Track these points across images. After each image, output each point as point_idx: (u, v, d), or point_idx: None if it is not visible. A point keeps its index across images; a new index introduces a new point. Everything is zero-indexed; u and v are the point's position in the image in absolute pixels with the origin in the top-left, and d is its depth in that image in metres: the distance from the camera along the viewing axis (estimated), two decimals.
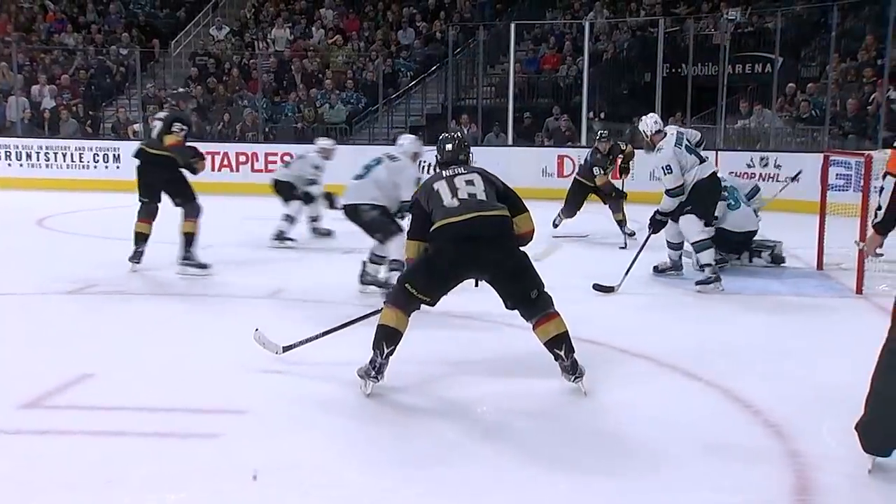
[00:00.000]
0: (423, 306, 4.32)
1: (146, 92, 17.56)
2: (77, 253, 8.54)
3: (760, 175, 12.73)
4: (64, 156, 15.58)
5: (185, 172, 7.51)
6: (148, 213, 7.48)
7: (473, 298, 5.44)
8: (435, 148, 4.68)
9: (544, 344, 4.25)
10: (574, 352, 4.24)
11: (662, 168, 6.98)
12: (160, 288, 7.02)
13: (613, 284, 6.82)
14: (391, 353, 4.19)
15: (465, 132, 14.95)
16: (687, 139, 7.11)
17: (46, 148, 15.68)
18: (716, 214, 7.24)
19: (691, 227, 6.95)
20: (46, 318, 6.03)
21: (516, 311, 4.35)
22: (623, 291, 6.76)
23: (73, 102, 17.56)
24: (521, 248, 4.35)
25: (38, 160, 15.61)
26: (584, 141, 14.82)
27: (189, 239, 7.40)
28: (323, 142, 9.77)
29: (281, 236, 9.02)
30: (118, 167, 14.81)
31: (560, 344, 4.21)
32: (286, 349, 4.67)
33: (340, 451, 3.60)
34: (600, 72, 16.63)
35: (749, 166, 12.95)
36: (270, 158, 15.26)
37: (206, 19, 21.20)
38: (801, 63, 15.81)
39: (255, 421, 3.94)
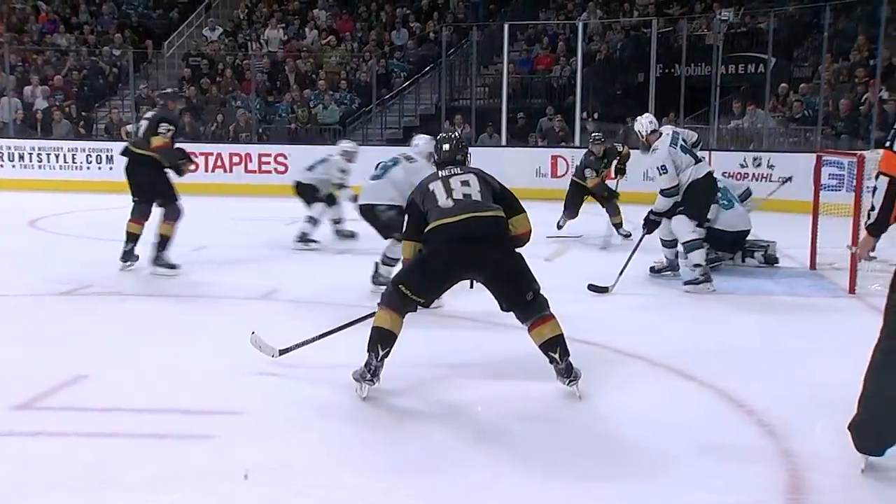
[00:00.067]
0: (418, 308, 4.29)
1: (139, 93, 17.52)
2: (70, 254, 8.51)
3: (753, 175, 12.76)
4: (57, 157, 15.54)
5: (171, 173, 7.49)
6: (140, 213, 7.47)
7: (469, 299, 5.45)
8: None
9: (539, 346, 4.23)
10: (569, 355, 4.22)
11: (657, 168, 6.98)
12: (154, 289, 7.00)
13: (608, 285, 6.82)
14: (386, 355, 4.16)
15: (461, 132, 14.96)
16: (683, 139, 7.11)
17: (39, 149, 15.65)
18: (708, 216, 7.24)
19: (682, 227, 6.95)
20: (39, 320, 6.01)
21: (511, 313, 4.32)
22: (618, 292, 6.76)
23: (65, 103, 17.54)
24: (518, 250, 4.32)
25: (30, 161, 15.58)
26: (577, 141, 14.84)
27: (164, 241, 7.39)
28: (345, 144, 9.66)
29: (304, 238, 8.95)
30: (111, 168, 14.77)
31: (555, 347, 4.18)
32: (282, 352, 4.64)
33: (335, 454, 3.59)
34: (594, 72, 16.66)
35: (742, 166, 12.98)
36: (264, 159, 15.29)
37: (199, 20, 21.18)
38: (793, 63, 15.86)
39: (250, 422, 3.94)
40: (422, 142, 6.85)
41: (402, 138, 16.69)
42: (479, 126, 15.97)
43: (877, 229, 3.35)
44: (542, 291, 4.27)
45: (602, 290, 6.80)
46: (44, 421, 3.94)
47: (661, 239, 7.33)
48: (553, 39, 18.19)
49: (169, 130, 7.31)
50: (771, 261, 7.90)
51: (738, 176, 12.48)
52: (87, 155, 15.45)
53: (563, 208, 9.85)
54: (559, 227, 9.71)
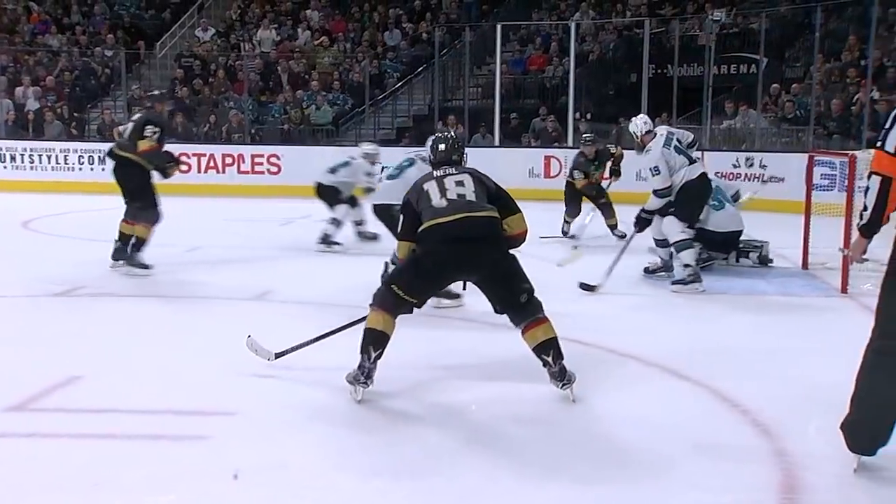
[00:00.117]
0: (414, 310, 4.27)
1: (131, 93, 17.45)
2: (63, 255, 8.48)
3: (746, 175, 12.80)
4: (49, 158, 15.48)
5: (157, 175, 7.49)
6: (132, 214, 7.47)
7: (464, 300, 5.47)
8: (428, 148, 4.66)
9: (532, 349, 4.19)
10: (562, 358, 4.18)
11: (650, 169, 7.00)
12: (147, 290, 6.99)
13: (596, 284, 6.83)
14: (379, 356, 4.13)
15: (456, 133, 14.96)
16: (677, 139, 7.11)
17: (31, 150, 15.57)
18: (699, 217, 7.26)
19: (673, 228, 6.96)
20: (33, 321, 6.00)
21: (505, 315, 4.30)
22: (613, 292, 6.77)
23: (57, 104, 17.47)
24: (511, 251, 4.29)
25: (22, 162, 15.51)
26: (570, 142, 14.85)
27: (139, 243, 7.40)
28: (367, 147, 9.59)
29: (327, 240, 8.91)
30: (103, 169, 14.53)
31: (548, 350, 4.15)
32: (278, 356, 4.61)
33: (331, 456, 3.59)
34: (586, 72, 16.68)
35: (735, 166, 13.01)
36: (257, 160, 15.26)
37: (191, 21, 21.11)
38: (785, 64, 15.92)
39: (244, 423, 3.93)
40: None
41: (396, 139, 16.73)
42: (472, 126, 15.97)
43: (869, 230, 3.36)
44: (535, 294, 4.24)
45: (590, 288, 6.81)
46: (37, 422, 3.93)
47: (655, 239, 7.34)
48: (546, 40, 18.20)
49: (155, 133, 7.30)
50: (765, 262, 7.92)
51: (731, 176, 12.51)
52: (80, 156, 15.38)
53: (564, 207, 9.83)
54: (564, 233, 9.64)
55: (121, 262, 7.46)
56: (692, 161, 7.06)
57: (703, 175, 7.09)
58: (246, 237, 9.75)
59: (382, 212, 6.61)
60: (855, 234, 3.51)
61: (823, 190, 9.03)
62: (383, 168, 8.71)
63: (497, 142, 15.54)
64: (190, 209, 12.15)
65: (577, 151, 10.09)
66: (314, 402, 4.23)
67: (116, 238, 7.48)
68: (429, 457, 3.59)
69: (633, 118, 7.45)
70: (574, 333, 4.87)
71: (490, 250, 4.20)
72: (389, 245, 6.52)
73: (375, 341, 4.12)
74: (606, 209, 9.62)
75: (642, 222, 7.16)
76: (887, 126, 3.27)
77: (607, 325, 5.82)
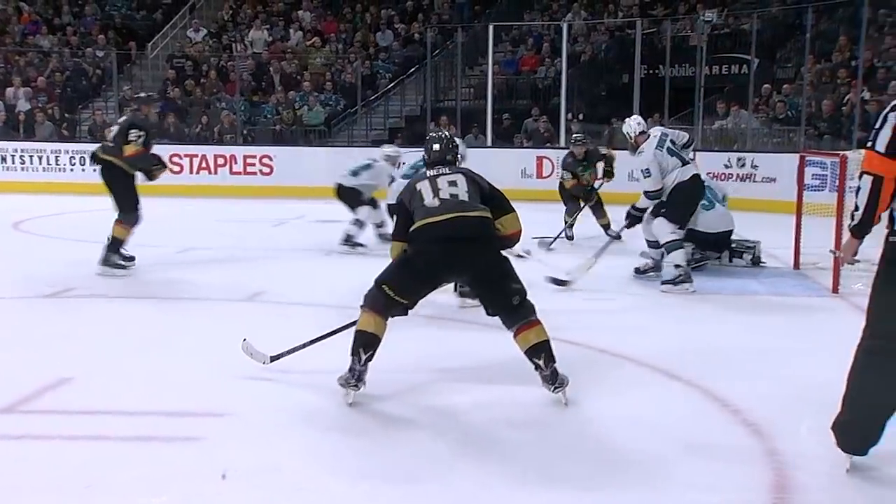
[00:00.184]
0: (408, 312, 4.25)
1: (123, 94, 17.41)
2: (54, 256, 8.46)
3: (738, 175, 12.84)
4: (40, 159, 15.43)
5: (141, 177, 7.49)
6: None
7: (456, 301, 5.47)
8: (423, 149, 4.65)
9: (524, 352, 4.16)
10: (554, 361, 4.15)
11: (641, 171, 7.03)
12: (139, 291, 6.98)
13: (567, 278, 6.85)
14: (370, 359, 4.11)
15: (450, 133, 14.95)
16: (671, 140, 7.11)
17: (22, 151, 15.52)
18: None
19: (662, 229, 6.97)
20: (24, 322, 5.98)
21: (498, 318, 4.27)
22: (604, 291, 6.78)
23: (48, 105, 17.41)
24: (503, 252, 4.27)
25: (13, 163, 15.45)
26: (562, 142, 14.84)
27: (115, 244, 7.39)
28: (388, 149, 9.51)
29: (350, 241, 8.88)
30: (95, 170, 14.60)
31: (539, 353, 4.12)
32: (273, 359, 4.59)
33: (323, 458, 3.58)
34: (578, 73, 16.69)
35: (727, 167, 13.05)
36: (249, 161, 15.23)
37: (183, 21, 21.07)
38: (776, 64, 15.96)
39: (236, 425, 3.92)
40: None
41: (388, 140, 16.69)
42: (464, 127, 15.97)
43: (860, 230, 3.36)
44: (528, 296, 4.22)
45: (562, 283, 6.82)
46: (28, 424, 3.92)
47: (647, 240, 7.36)
48: (538, 40, 18.22)
49: (139, 137, 7.29)
50: (757, 262, 7.93)
51: (723, 176, 12.55)
52: (71, 157, 15.33)
53: (561, 207, 9.81)
54: (569, 238, 9.60)
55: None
56: (685, 162, 7.07)
57: (696, 177, 7.09)
58: (238, 238, 9.74)
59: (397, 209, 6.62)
60: (846, 235, 3.51)
61: (814, 190, 9.05)
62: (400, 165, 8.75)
63: (489, 142, 15.54)
64: (182, 210, 12.17)
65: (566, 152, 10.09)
66: (306, 404, 4.21)
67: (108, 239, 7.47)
68: (420, 460, 3.57)
69: (627, 119, 7.47)
70: (565, 334, 4.88)
71: (481, 250, 4.17)
72: None
73: (366, 344, 4.10)
74: (597, 209, 9.61)
75: (633, 218, 7.20)
76: (877, 126, 3.28)
77: (598, 326, 5.83)
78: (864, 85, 13.04)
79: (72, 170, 15.28)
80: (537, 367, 4.14)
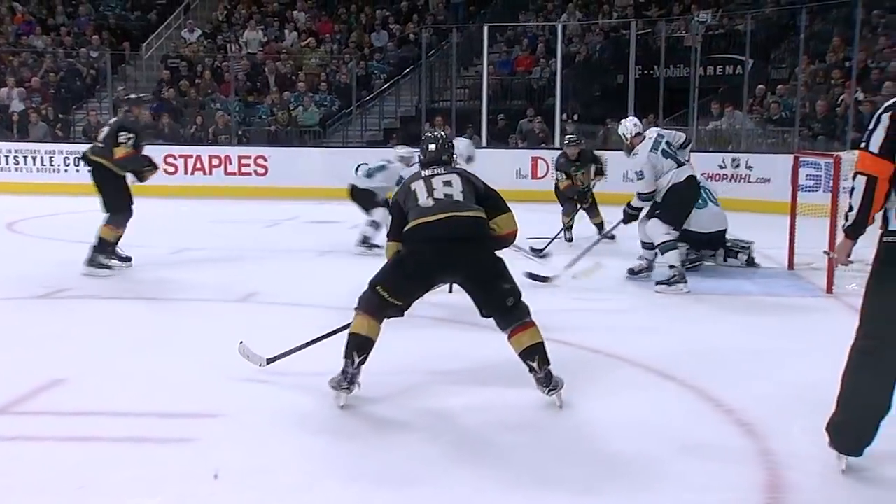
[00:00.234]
0: (404, 313, 4.22)
1: (117, 95, 17.33)
2: (48, 257, 8.43)
3: (732, 176, 12.86)
4: (34, 159, 15.39)
5: (132, 178, 7.48)
6: None
7: (453, 301, 5.45)
8: (419, 149, 4.64)
9: (518, 354, 4.14)
10: (548, 363, 4.12)
11: (635, 173, 7.05)
12: (132, 291, 6.96)
13: (549, 275, 6.86)
14: (363, 361, 4.09)
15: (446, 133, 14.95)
16: (667, 142, 7.11)
17: (16, 151, 15.48)
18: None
19: (657, 230, 6.98)
20: (17, 323, 5.96)
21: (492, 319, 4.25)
22: (598, 292, 6.78)
23: (42, 105, 17.38)
24: (497, 253, 4.24)
25: (7, 164, 15.42)
26: (557, 143, 14.83)
27: (102, 244, 7.39)
28: (402, 150, 9.46)
29: (367, 242, 8.85)
30: (89, 171, 14.63)
31: (533, 355, 4.09)
32: (270, 361, 4.57)
33: (316, 460, 3.57)
34: (573, 74, 16.72)
35: (721, 167, 13.06)
36: (244, 161, 15.21)
37: (177, 22, 21.06)
38: (770, 65, 15.99)
39: (229, 426, 3.92)
40: (462, 145, 6.94)
41: (383, 140, 16.71)
42: (459, 127, 15.94)
43: (854, 231, 3.36)
44: (522, 298, 4.20)
45: (544, 279, 6.83)
46: (21, 425, 3.90)
47: (642, 241, 7.37)
48: (533, 41, 18.23)
49: (129, 139, 7.29)
50: (752, 263, 7.94)
51: (718, 177, 12.56)
52: (65, 158, 15.28)
53: (557, 208, 9.81)
54: (568, 240, 9.58)
55: (119, 265, 7.46)
56: (680, 164, 7.07)
57: (691, 178, 7.09)
58: (232, 238, 9.72)
59: None
60: (840, 236, 3.51)
61: (809, 191, 9.06)
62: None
63: (484, 143, 15.53)
64: (176, 211, 12.15)
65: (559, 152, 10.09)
66: (300, 405, 4.20)
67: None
68: (413, 463, 3.56)
69: (623, 120, 7.48)
70: (559, 334, 4.88)
71: (475, 250, 4.14)
72: None
73: (359, 346, 4.08)
74: (591, 210, 9.62)
75: (628, 216, 7.24)
76: (871, 127, 3.29)
77: (592, 327, 5.82)
78: (858, 86, 13.07)
79: (66, 170, 15.23)
80: (531, 369, 4.12)
